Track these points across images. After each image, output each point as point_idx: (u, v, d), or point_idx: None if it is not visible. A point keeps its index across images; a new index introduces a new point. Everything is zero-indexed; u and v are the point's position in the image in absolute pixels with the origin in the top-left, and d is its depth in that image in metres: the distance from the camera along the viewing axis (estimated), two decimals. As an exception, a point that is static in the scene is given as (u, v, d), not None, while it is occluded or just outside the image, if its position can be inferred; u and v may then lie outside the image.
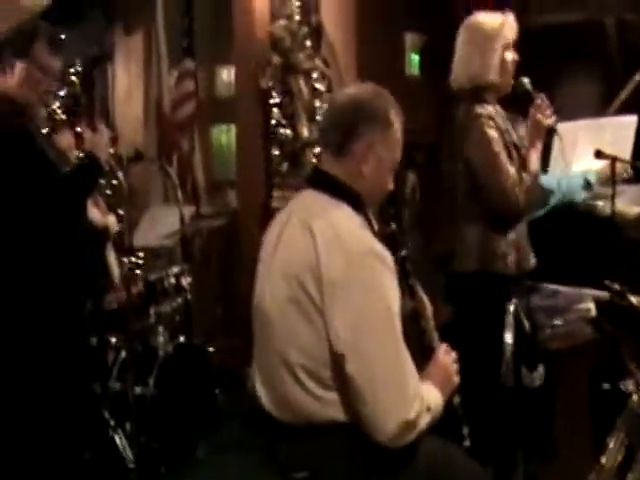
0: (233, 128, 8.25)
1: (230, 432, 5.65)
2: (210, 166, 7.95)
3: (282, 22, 6.65)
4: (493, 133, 3.70)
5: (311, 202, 2.70)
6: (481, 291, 3.73)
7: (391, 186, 2.75)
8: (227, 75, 8.56)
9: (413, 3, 8.40)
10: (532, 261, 3.87)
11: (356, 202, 2.66)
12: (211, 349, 5.47)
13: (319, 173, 2.73)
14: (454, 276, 3.84)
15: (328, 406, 2.55)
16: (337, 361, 2.50)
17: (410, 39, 8.70)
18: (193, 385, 5.14)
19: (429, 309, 2.89)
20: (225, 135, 8.36)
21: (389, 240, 2.71)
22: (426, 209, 7.23)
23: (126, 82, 8.77)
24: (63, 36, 3.78)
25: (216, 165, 8.09)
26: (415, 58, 8.81)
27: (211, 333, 6.66)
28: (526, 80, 3.84)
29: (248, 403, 6.09)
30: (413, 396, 2.49)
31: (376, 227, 2.71)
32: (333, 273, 2.48)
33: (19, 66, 3.59)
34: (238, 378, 6.36)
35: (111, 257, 4.04)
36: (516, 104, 3.96)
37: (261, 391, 2.74)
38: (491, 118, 3.73)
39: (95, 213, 3.85)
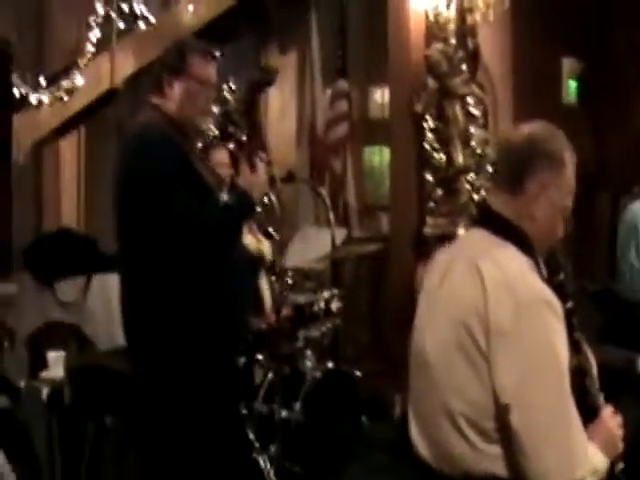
0: (385, 150, 8.25)
1: (375, 460, 5.63)
2: (361, 188, 7.95)
3: (438, 46, 6.59)
4: None
5: (478, 241, 2.62)
6: None
7: (561, 233, 2.66)
8: (380, 96, 8.57)
9: (572, 27, 8.25)
10: None
11: (524, 243, 2.57)
12: (358, 374, 5.43)
13: (487, 211, 2.65)
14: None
15: (489, 459, 2.45)
16: (501, 412, 2.40)
17: (568, 64, 8.55)
18: (340, 411, 5.11)
19: (595, 366, 2.77)
20: (377, 157, 8.35)
21: (557, 290, 2.59)
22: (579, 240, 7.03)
23: (280, 101, 8.87)
24: (217, 51, 3.81)
25: (368, 188, 8.09)
26: (572, 84, 8.64)
27: (357, 358, 6.64)
28: None
29: (393, 432, 6.09)
30: (580, 455, 2.39)
31: (545, 274, 2.61)
32: (501, 320, 2.39)
33: (177, 84, 3.64)
34: (384, 405, 6.36)
35: (263, 282, 4.04)
36: None
37: (417, 439, 2.66)
38: None
39: (250, 239, 3.85)
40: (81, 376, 4.08)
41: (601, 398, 2.71)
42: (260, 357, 4.91)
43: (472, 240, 2.66)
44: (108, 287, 7.17)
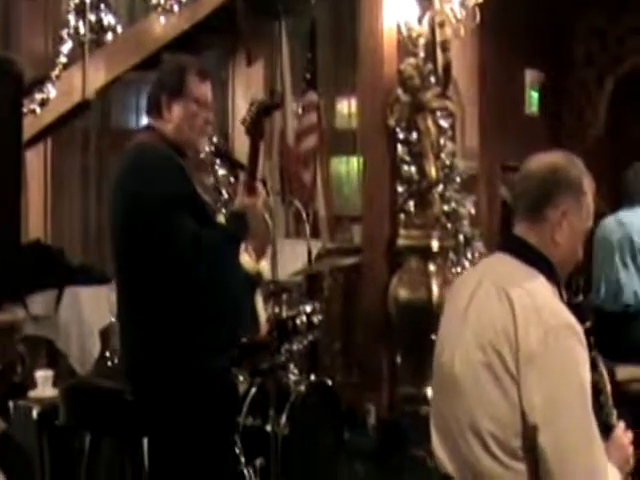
0: (352, 160, 8.33)
1: (354, 470, 5.71)
2: (330, 199, 8.01)
3: (411, 60, 6.66)
4: None
5: (505, 267, 2.72)
6: None
7: (581, 255, 2.77)
8: (347, 107, 8.65)
9: (535, 40, 8.41)
10: None
11: (549, 270, 2.68)
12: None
13: (513, 238, 2.76)
14: None
15: (515, 475, 2.54)
16: (529, 432, 2.50)
17: (530, 75, 8.69)
18: (322, 422, 5.16)
19: (609, 384, 2.88)
20: (345, 167, 8.43)
21: (576, 311, 2.70)
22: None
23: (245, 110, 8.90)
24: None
25: (336, 198, 8.15)
26: (534, 95, 8.79)
27: (332, 369, 6.72)
28: None
29: (369, 441, 6.16)
30: (602, 473, 2.50)
31: (565, 296, 2.71)
32: (530, 344, 2.49)
33: (175, 105, 3.66)
34: (358, 415, 6.43)
35: (259, 301, 4.07)
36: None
37: (441, 454, 2.74)
38: None
39: (247, 259, 3.88)
40: (76, 396, 4.07)
41: (615, 415, 2.83)
42: (242, 370, 4.96)
43: (499, 265, 2.75)
44: (79, 299, 7.17)
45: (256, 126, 3.73)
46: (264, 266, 4.02)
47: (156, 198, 3.45)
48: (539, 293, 2.59)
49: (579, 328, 2.55)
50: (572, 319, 2.56)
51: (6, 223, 3.09)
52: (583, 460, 2.47)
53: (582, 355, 2.53)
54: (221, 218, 3.75)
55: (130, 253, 3.58)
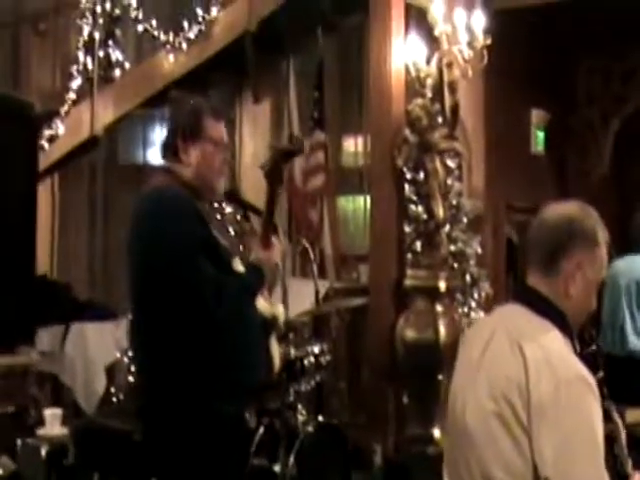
0: (359, 199, 8.35)
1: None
2: (337, 238, 8.02)
3: (419, 101, 6.69)
4: None
5: (519, 319, 2.70)
6: None
7: (594, 306, 2.76)
8: (353, 145, 8.69)
9: (539, 81, 8.46)
10: None
11: (563, 322, 2.67)
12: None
13: (527, 289, 2.74)
14: None
15: None
16: None
17: (536, 115, 8.74)
18: (331, 464, 5.16)
19: (624, 433, 2.87)
20: (351, 206, 8.45)
21: (589, 361, 2.70)
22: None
23: (253, 148, 8.95)
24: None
25: (342, 237, 8.17)
26: (540, 134, 8.83)
27: (337, 410, 6.71)
28: None
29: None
30: None
31: (578, 347, 2.71)
32: (542, 396, 2.48)
33: (192, 149, 3.66)
34: (364, 455, 6.42)
35: (274, 344, 4.06)
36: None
37: None
38: None
39: (262, 304, 3.87)
40: (85, 436, 4.08)
41: (630, 464, 2.82)
42: (250, 411, 4.95)
43: (512, 317, 2.74)
44: (85, 335, 7.18)
45: (275, 172, 3.71)
46: (280, 310, 4.01)
47: (175, 242, 3.42)
48: (552, 346, 2.58)
49: (592, 380, 2.54)
50: (584, 371, 2.55)
51: (21, 264, 3.11)
52: None
53: (595, 407, 2.52)
54: (237, 262, 3.74)
55: (148, 295, 3.56)
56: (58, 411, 5.07)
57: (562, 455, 2.46)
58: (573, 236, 2.65)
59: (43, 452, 4.71)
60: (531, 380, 2.50)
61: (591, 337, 2.81)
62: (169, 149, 3.69)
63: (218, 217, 5.49)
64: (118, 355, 6.94)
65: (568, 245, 2.65)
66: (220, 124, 3.75)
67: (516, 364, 2.55)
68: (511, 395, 2.53)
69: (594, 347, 2.81)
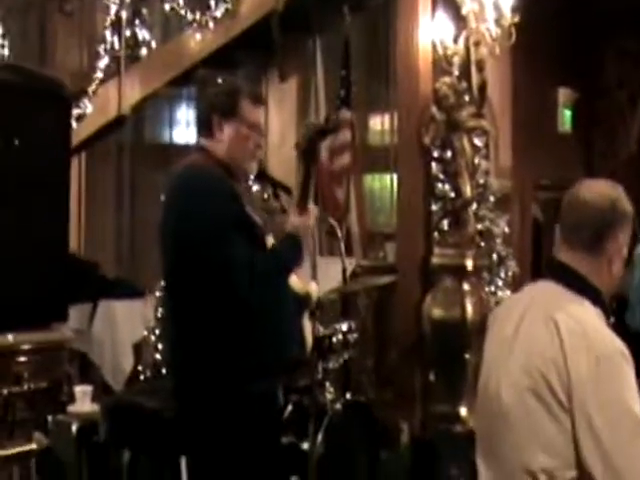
0: (385, 177, 8.34)
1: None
2: (363, 216, 8.02)
3: (447, 79, 6.67)
4: None
5: (552, 295, 2.72)
6: None
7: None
8: (380, 123, 8.68)
9: (567, 59, 8.40)
10: None
11: (598, 299, 2.69)
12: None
13: (563, 267, 2.75)
14: None
15: None
16: (582, 462, 2.50)
17: (563, 94, 8.68)
18: (359, 442, 5.18)
19: None
20: (378, 184, 8.44)
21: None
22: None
23: (280, 127, 8.96)
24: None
25: (369, 215, 8.17)
26: (567, 114, 8.77)
27: (364, 388, 6.72)
28: None
29: (403, 460, 6.15)
30: None
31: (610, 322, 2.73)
32: (582, 374, 2.49)
33: (226, 126, 3.67)
34: (391, 434, 6.43)
35: (307, 322, 4.08)
36: None
37: (487, 479, 2.75)
38: None
39: (295, 281, 3.88)
40: (116, 413, 4.10)
41: None
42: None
43: (546, 293, 2.75)
44: (113, 313, 7.23)
45: (310, 150, 3.73)
46: (313, 287, 4.03)
47: (208, 221, 3.45)
48: (587, 319, 2.60)
49: (627, 352, 2.56)
50: (621, 344, 2.57)
51: (55, 243, 3.13)
52: None
53: (633, 380, 2.54)
54: (270, 239, 3.75)
55: (181, 274, 3.59)
56: (88, 388, 5.11)
57: (605, 432, 2.47)
58: (618, 217, 2.69)
59: (74, 428, 4.75)
60: (568, 357, 2.52)
61: (612, 309, 2.82)
62: (203, 125, 3.71)
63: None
64: (145, 333, 6.99)
65: (614, 226, 2.68)
66: (258, 109, 3.76)
67: (551, 340, 2.56)
68: (548, 372, 2.54)
69: (612, 319, 2.82)
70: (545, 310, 2.64)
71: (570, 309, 2.62)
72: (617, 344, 2.56)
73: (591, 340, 2.53)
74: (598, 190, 2.74)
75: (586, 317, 2.61)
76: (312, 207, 3.73)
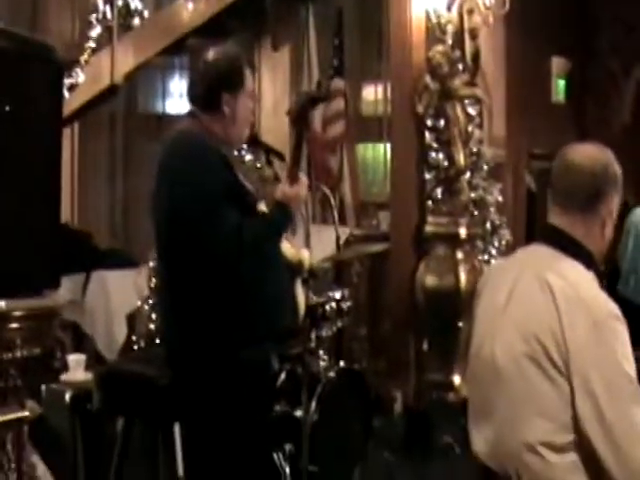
0: (378, 147, 8.33)
1: (382, 457, 5.72)
2: (356, 185, 8.02)
3: (440, 48, 6.64)
4: None
5: (545, 258, 2.73)
6: None
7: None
8: (373, 93, 8.65)
9: (561, 29, 8.38)
10: None
11: (591, 261, 2.71)
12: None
13: (556, 231, 2.75)
14: None
15: (561, 468, 2.55)
16: (578, 425, 2.51)
17: (557, 64, 8.66)
18: (352, 410, 5.18)
19: None
20: (371, 154, 8.43)
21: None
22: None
23: (273, 96, 8.93)
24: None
25: (362, 185, 8.17)
26: (561, 83, 8.76)
27: (358, 357, 6.74)
28: None
29: (396, 429, 6.16)
30: None
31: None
32: (579, 338, 2.50)
33: (233, 101, 3.61)
34: (384, 402, 6.45)
35: (299, 289, 4.07)
36: None
37: (480, 446, 2.76)
38: None
39: (288, 248, 3.88)
40: (110, 381, 4.10)
41: None
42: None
43: (539, 257, 2.76)
44: (106, 283, 7.21)
45: (302, 117, 3.72)
46: (305, 254, 4.02)
47: (200, 188, 3.44)
48: (581, 282, 2.61)
49: (620, 314, 2.57)
50: (615, 307, 2.59)
51: (47, 210, 3.11)
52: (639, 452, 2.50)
53: (627, 341, 2.56)
54: (262, 206, 3.74)
55: (173, 241, 3.58)
56: (82, 357, 5.11)
57: (603, 393, 2.49)
58: (610, 181, 2.71)
59: (67, 397, 4.76)
60: (564, 322, 2.53)
61: (600, 273, 2.82)
62: (209, 102, 3.64)
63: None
64: (139, 303, 6.98)
65: (606, 190, 2.70)
66: (252, 75, 3.74)
67: (546, 305, 2.57)
68: (544, 337, 2.55)
69: (604, 282, 2.82)
70: (538, 274, 2.65)
71: (564, 271, 2.63)
72: (611, 307, 2.57)
73: (587, 305, 2.54)
74: (589, 154, 2.75)
75: (580, 280, 2.62)
76: (303, 176, 3.71)
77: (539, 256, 2.76)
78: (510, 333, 2.65)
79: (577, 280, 2.61)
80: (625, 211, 5.75)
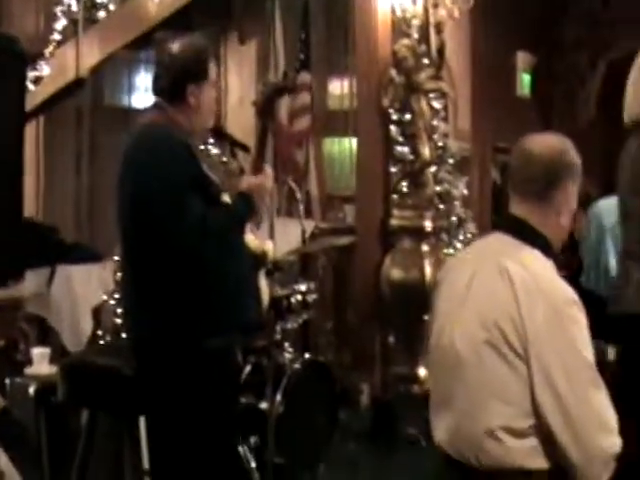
0: (344, 141, 8.34)
1: (347, 449, 5.74)
2: (322, 179, 8.03)
3: (405, 41, 6.67)
4: None
5: (503, 245, 2.77)
6: None
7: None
8: (339, 88, 8.66)
9: (526, 23, 8.43)
10: None
11: (548, 249, 2.75)
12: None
13: (512, 218, 2.80)
14: (621, 317, 3.83)
15: (520, 454, 2.58)
16: (537, 410, 2.55)
17: (522, 58, 8.72)
18: (318, 402, 5.19)
19: None
20: (337, 148, 8.44)
21: None
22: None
23: (239, 89, 8.93)
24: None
25: (328, 178, 8.18)
26: (526, 78, 8.82)
27: (323, 349, 6.75)
28: None
29: (361, 421, 6.19)
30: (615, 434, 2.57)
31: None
32: (538, 324, 2.54)
33: (199, 92, 3.62)
34: (350, 395, 6.47)
35: (263, 282, 4.08)
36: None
37: (441, 434, 2.78)
38: None
39: (251, 239, 3.88)
40: (74, 373, 4.09)
41: None
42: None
43: (498, 245, 2.80)
44: (71, 278, 7.17)
45: (268, 108, 3.73)
46: (269, 246, 4.03)
47: (165, 178, 3.43)
48: (538, 269, 2.65)
49: (579, 300, 2.62)
50: (572, 292, 2.63)
51: (9, 200, 3.10)
52: (600, 430, 2.56)
53: (586, 328, 2.60)
54: (226, 197, 3.74)
55: (137, 232, 3.57)
56: (46, 350, 5.10)
57: (562, 380, 2.53)
58: (566, 168, 2.75)
59: (31, 390, 4.75)
60: (523, 308, 2.56)
61: (562, 262, 2.86)
62: (174, 93, 3.62)
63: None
64: (104, 297, 6.95)
65: (562, 177, 2.74)
66: (215, 65, 3.75)
67: (505, 291, 2.61)
68: (503, 323, 2.58)
69: (564, 272, 2.86)
70: (498, 262, 2.68)
71: (521, 258, 2.67)
72: (569, 293, 2.62)
73: (545, 292, 2.57)
74: (546, 143, 2.79)
75: (538, 268, 2.65)
76: (268, 168, 3.72)
77: (498, 245, 2.80)
78: (470, 321, 2.68)
79: (536, 268, 2.65)
80: (587, 203, 5.77)
